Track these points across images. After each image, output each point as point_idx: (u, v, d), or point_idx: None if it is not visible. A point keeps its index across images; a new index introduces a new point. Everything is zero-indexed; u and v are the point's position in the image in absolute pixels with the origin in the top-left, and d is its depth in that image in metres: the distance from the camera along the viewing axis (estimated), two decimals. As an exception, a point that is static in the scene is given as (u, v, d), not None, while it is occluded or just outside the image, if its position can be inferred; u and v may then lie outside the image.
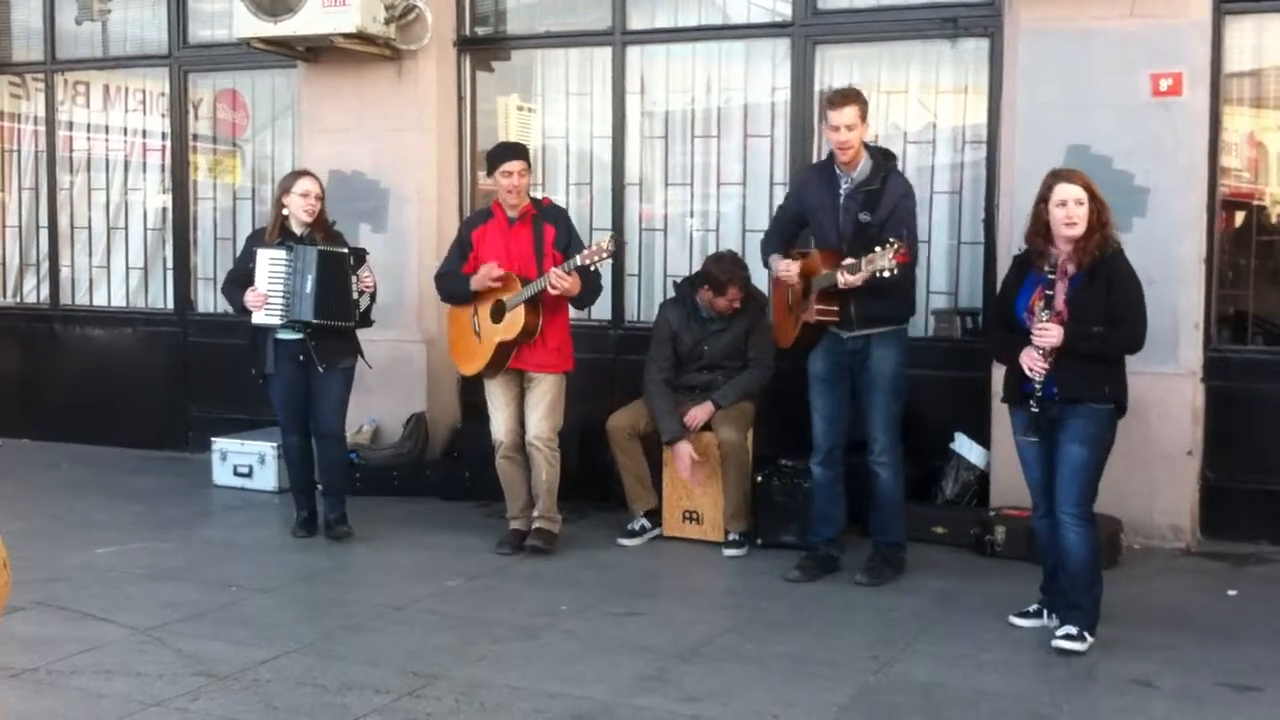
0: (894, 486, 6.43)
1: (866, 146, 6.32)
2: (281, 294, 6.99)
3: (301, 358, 7.08)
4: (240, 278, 7.17)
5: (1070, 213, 5.36)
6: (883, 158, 6.35)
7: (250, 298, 7.02)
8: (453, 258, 7.17)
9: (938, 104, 8.05)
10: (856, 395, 6.45)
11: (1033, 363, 5.40)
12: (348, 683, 5.07)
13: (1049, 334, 5.33)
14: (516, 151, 7.00)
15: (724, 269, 7.16)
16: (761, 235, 6.89)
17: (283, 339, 7.08)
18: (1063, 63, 7.15)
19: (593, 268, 6.73)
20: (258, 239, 7.22)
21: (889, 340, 6.31)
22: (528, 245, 6.84)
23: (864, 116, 6.22)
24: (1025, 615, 5.78)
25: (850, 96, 6.25)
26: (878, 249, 5.87)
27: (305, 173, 7.24)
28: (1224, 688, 5.06)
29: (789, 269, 6.36)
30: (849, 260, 5.96)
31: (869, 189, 6.21)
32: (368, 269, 7.17)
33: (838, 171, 6.31)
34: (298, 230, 7.11)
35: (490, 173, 7.00)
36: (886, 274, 5.87)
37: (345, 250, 7.15)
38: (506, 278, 6.77)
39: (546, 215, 6.95)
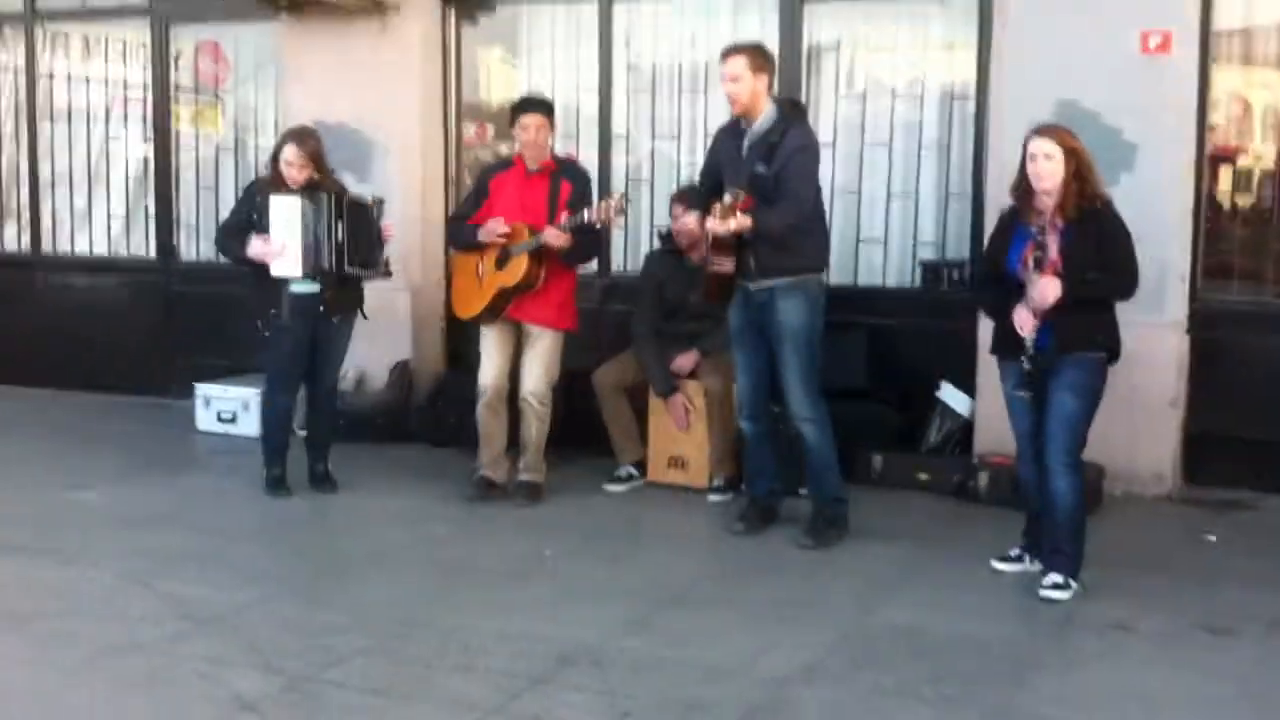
0: (821, 440, 6.25)
1: (774, 100, 6.25)
2: (301, 243, 6.74)
3: (321, 309, 6.89)
4: (238, 227, 6.95)
5: (1038, 167, 5.40)
6: (789, 109, 6.29)
7: (264, 248, 6.77)
8: (468, 202, 7.15)
9: (926, 60, 8.03)
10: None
11: (1024, 321, 5.42)
12: (332, 627, 5.07)
13: (1050, 289, 5.33)
14: (535, 105, 6.96)
15: (686, 191, 7.26)
16: None
17: (297, 292, 6.85)
18: (1052, 18, 7.14)
19: (598, 224, 6.69)
20: (260, 188, 6.98)
21: (794, 292, 6.15)
22: (542, 198, 6.79)
23: (758, 68, 6.12)
24: (1007, 560, 5.81)
25: (738, 48, 6.21)
26: (725, 198, 5.85)
27: (293, 136, 6.93)
28: (1201, 630, 5.11)
29: (694, 224, 6.39)
30: (717, 205, 5.93)
31: (769, 141, 6.12)
32: (387, 217, 7.08)
33: (743, 125, 6.25)
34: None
35: (511, 124, 6.96)
36: (733, 224, 5.84)
37: (369, 199, 7.05)
38: (516, 228, 6.74)
39: (565, 171, 6.93)
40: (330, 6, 8.51)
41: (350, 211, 6.86)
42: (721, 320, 7.12)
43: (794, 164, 6.07)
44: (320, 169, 6.88)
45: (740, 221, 5.86)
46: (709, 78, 8.43)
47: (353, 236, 6.84)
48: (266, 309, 6.89)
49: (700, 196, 6.55)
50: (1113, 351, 5.50)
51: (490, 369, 6.96)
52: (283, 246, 6.75)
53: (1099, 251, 5.38)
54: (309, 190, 6.81)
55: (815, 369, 6.24)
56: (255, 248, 6.82)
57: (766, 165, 6.06)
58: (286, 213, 6.76)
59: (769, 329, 6.23)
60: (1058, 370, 5.41)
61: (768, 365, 6.31)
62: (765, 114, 6.17)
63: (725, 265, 6.16)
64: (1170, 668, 4.77)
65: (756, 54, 6.20)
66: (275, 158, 6.92)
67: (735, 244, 6.05)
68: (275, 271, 6.79)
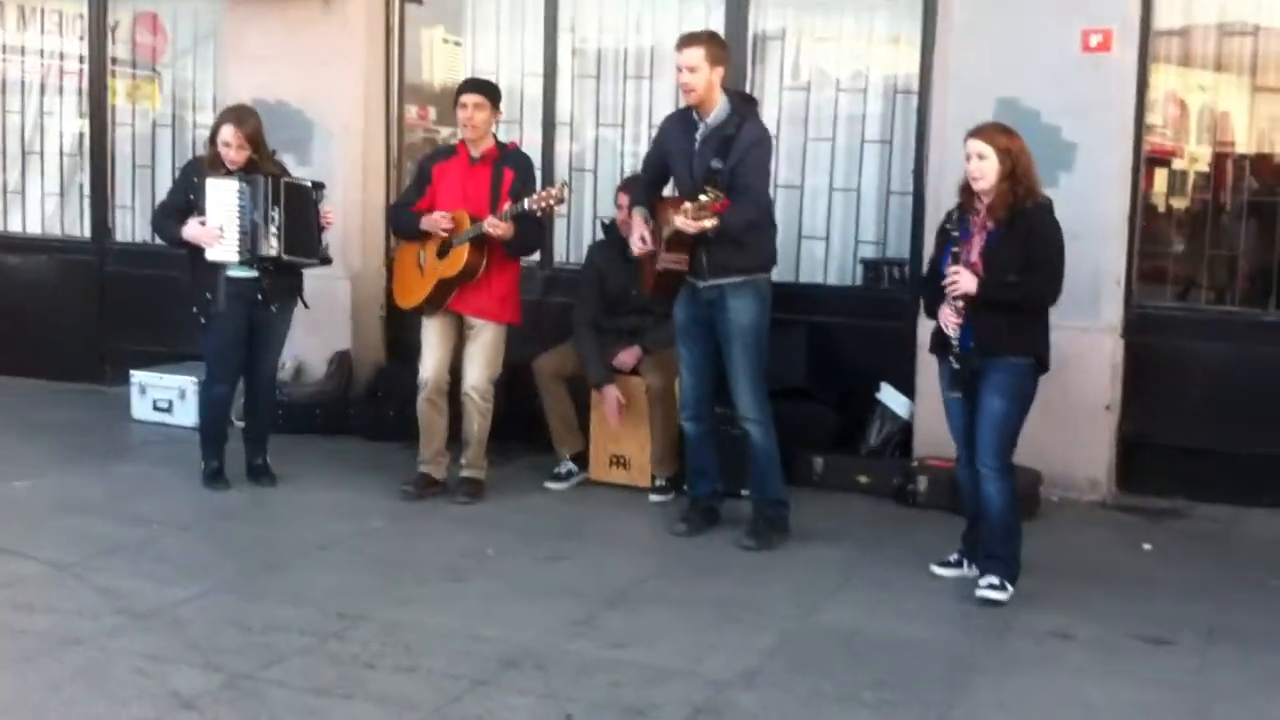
0: (766, 442, 6.24)
1: (726, 92, 6.18)
2: (239, 228, 6.62)
3: (259, 297, 6.78)
4: (176, 209, 6.83)
5: (971, 167, 5.45)
6: (741, 102, 6.23)
7: (199, 232, 6.65)
8: (411, 190, 7.08)
9: (870, 54, 8.06)
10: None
11: (947, 317, 5.48)
12: (271, 623, 5.04)
13: (959, 282, 5.39)
14: (473, 86, 6.89)
15: (629, 182, 7.21)
16: None
17: (234, 277, 6.72)
18: (995, 16, 7.17)
19: (539, 213, 6.64)
20: (197, 169, 6.85)
21: (745, 290, 6.11)
22: (485, 186, 6.73)
23: (715, 60, 6.05)
24: (946, 564, 5.87)
25: (696, 38, 6.14)
26: (701, 197, 5.78)
27: (231, 116, 6.76)
28: (1138, 639, 5.17)
29: (641, 243, 6.19)
30: (685, 205, 5.86)
31: (724, 135, 6.06)
32: (327, 202, 6.94)
33: (695, 117, 6.18)
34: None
35: (454, 107, 6.88)
36: (707, 224, 5.78)
37: (308, 183, 6.90)
38: (458, 217, 6.68)
39: (509, 159, 6.85)
40: (272, -18, 8.40)
41: (289, 196, 6.72)
42: (665, 316, 7.11)
43: (751, 158, 6.03)
44: (259, 150, 6.75)
45: (711, 222, 5.77)
46: (655, 64, 8.43)
47: (291, 221, 6.70)
48: (203, 294, 6.77)
49: (642, 186, 6.51)
50: (1039, 359, 5.52)
51: (431, 362, 6.90)
52: (219, 230, 6.64)
53: (1025, 254, 5.40)
54: (247, 173, 6.69)
55: (763, 369, 6.24)
56: (191, 230, 6.70)
57: (722, 160, 6.00)
58: (223, 196, 6.63)
59: (718, 327, 6.20)
60: (985, 373, 5.46)
61: (713, 364, 6.30)
62: (719, 107, 6.11)
63: (680, 263, 6.13)
64: (1109, 676, 4.83)
65: (715, 45, 6.13)
66: (213, 137, 6.77)
67: (690, 241, 6.00)
68: (211, 256, 6.68)
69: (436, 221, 6.71)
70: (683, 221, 5.83)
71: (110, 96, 9.72)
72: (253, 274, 6.75)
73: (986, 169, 5.41)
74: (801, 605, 5.46)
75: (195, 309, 6.83)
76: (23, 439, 8.02)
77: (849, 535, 6.48)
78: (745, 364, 6.17)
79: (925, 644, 5.08)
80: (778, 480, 6.36)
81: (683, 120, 6.29)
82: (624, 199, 7.21)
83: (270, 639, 4.89)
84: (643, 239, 6.19)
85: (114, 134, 9.73)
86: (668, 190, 6.57)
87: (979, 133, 5.51)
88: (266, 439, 7.18)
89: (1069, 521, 6.84)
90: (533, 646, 4.89)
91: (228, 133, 6.66)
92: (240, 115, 6.78)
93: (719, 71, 6.10)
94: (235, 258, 6.67)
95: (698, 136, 6.14)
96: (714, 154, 6.03)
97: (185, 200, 6.81)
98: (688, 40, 6.14)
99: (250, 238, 6.64)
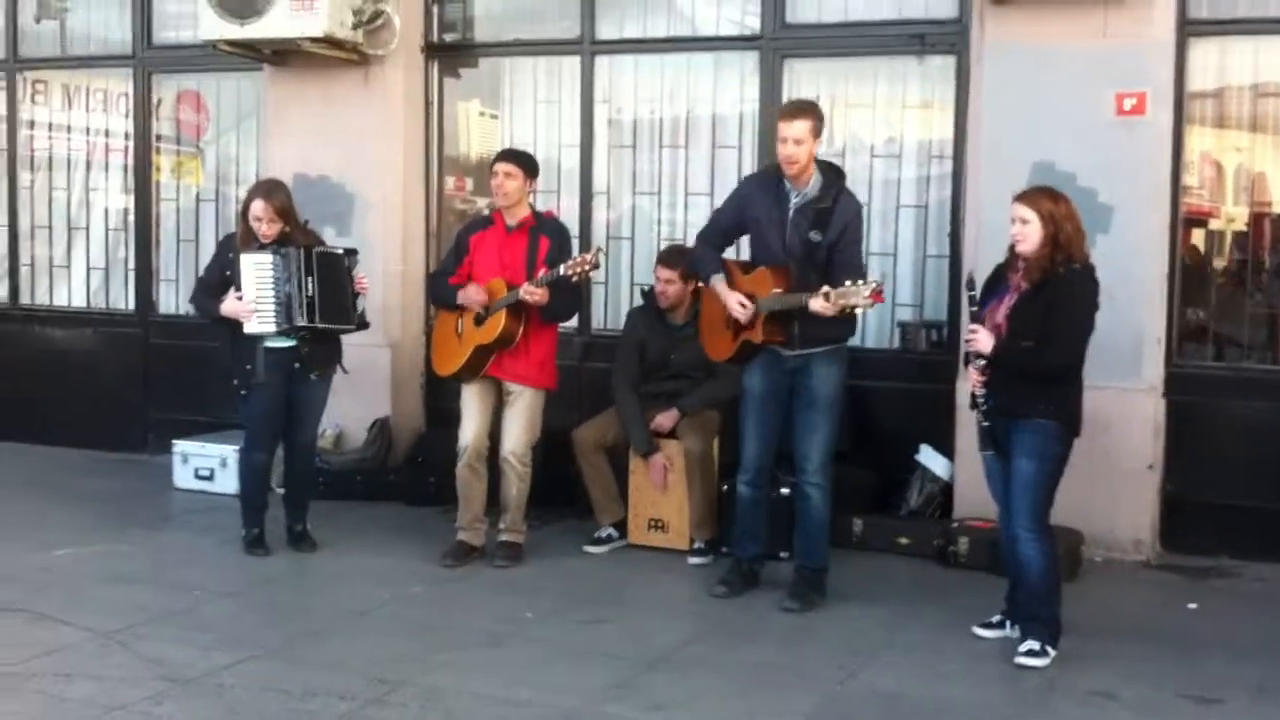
0: (823, 509, 6.23)
1: (817, 162, 6.15)
2: (273, 300, 6.73)
3: (298, 365, 6.87)
4: (213, 285, 6.93)
5: (1015, 230, 5.46)
6: (834, 175, 6.19)
7: (236, 307, 6.74)
8: (449, 260, 7.13)
9: (904, 119, 8.11)
10: (790, 414, 6.27)
11: (971, 374, 5.51)
12: (311, 689, 5.04)
13: (976, 340, 5.42)
14: (507, 155, 6.96)
15: (671, 257, 7.26)
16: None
17: (273, 346, 6.81)
18: (1028, 81, 7.21)
19: (574, 279, 6.66)
20: (231, 245, 6.96)
21: (830, 359, 6.14)
22: (521, 255, 6.78)
23: (817, 132, 6.06)
24: (988, 626, 5.82)
25: (803, 109, 6.11)
26: (849, 283, 5.70)
27: (260, 191, 6.85)
28: (1185, 700, 5.11)
29: (744, 310, 6.06)
30: (826, 289, 5.75)
31: (820, 206, 6.04)
32: (361, 268, 7.03)
33: (786, 185, 6.14)
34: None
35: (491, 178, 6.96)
36: (859, 311, 5.79)
37: (340, 251, 7.01)
38: (494, 285, 6.74)
39: (544, 228, 6.90)
40: (313, 57, 8.52)
41: (321, 264, 6.82)
42: (700, 380, 7.15)
43: (850, 231, 6.06)
44: (290, 222, 6.85)
45: (866, 305, 5.74)
46: (689, 133, 8.50)
47: (324, 290, 6.79)
48: (243, 366, 6.85)
49: (712, 247, 6.38)
50: (1064, 422, 5.44)
51: (470, 428, 6.93)
52: (255, 304, 6.74)
53: (1045, 321, 5.38)
54: (279, 245, 6.79)
55: (837, 436, 6.26)
56: (228, 306, 6.80)
57: (821, 232, 6.00)
58: (257, 270, 6.75)
59: (799, 394, 6.18)
60: (1012, 435, 5.45)
61: (780, 432, 6.30)
62: (814, 178, 6.10)
63: (776, 336, 6.07)
64: (1155, 737, 4.79)
65: (819, 117, 6.10)
66: (245, 213, 6.89)
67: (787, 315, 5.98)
68: (249, 329, 6.77)
69: (471, 297, 6.77)
70: (819, 306, 5.75)
71: (154, 173, 9.89)
72: (290, 343, 6.84)
73: (1030, 233, 5.41)
74: (843, 668, 5.42)
75: (235, 381, 6.91)
76: (66, 508, 8.08)
77: (889, 597, 6.44)
78: (822, 431, 6.17)
79: (968, 706, 5.03)
80: (825, 547, 6.34)
81: (768, 186, 6.22)
82: (662, 273, 7.26)
83: (311, 705, 4.89)
84: (741, 304, 6.07)
85: (158, 209, 9.90)
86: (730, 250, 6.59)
87: (1024, 197, 5.52)
88: (307, 505, 7.22)
89: (1112, 581, 6.78)
90: (573, 710, 4.88)
91: (258, 208, 6.77)
92: (269, 189, 6.88)
93: (818, 144, 6.11)
94: (272, 329, 6.76)
95: (792, 205, 6.11)
96: (811, 226, 6.02)
97: (221, 276, 6.91)
98: (795, 112, 6.09)
99: (285, 308, 6.74)
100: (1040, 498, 5.46)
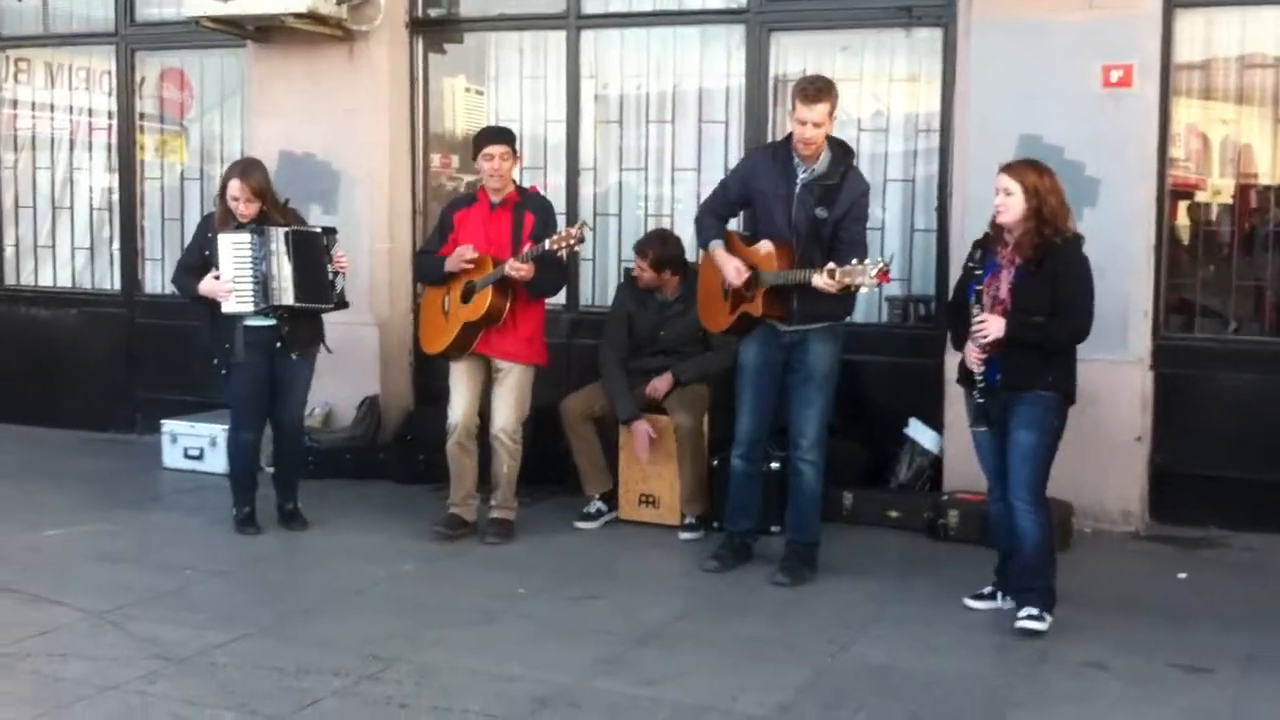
0: (816, 485, 6.26)
1: (827, 138, 6.11)
2: (251, 279, 6.73)
3: (278, 345, 6.87)
4: (193, 265, 6.93)
5: (998, 200, 5.47)
6: (842, 152, 6.17)
7: (214, 286, 6.76)
8: (433, 238, 7.13)
9: (891, 92, 8.09)
10: (785, 389, 6.28)
11: (972, 355, 5.51)
12: (305, 666, 5.05)
13: (988, 328, 5.41)
14: (498, 135, 6.93)
15: (644, 244, 7.27)
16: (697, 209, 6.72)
17: (252, 325, 6.81)
18: (1015, 54, 7.20)
19: (559, 253, 6.66)
20: (210, 225, 6.94)
21: (826, 336, 6.14)
22: (506, 231, 6.77)
23: (833, 112, 6.04)
24: (979, 597, 5.84)
25: (824, 91, 5.98)
26: (856, 262, 5.68)
27: (237, 171, 6.84)
28: (1175, 669, 5.14)
29: (740, 274, 6.07)
30: (831, 266, 5.73)
31: (827, 183, 6.02)
32: (339, 247, 7.00)
33: (795, 160, 6.11)
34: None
35: (474, 156, 6.91)
36: (864, 289, 5.81)
37: (318, 229, 7.00)
38: (481, 260, 6.73)
39: (529, 203, 6.89)
40: (297, 34, 8.47)
41: (298, 244, 6.81)
42: (692, 354, 7.15)
43: (857, 209, 6.06)
44: (267, 201, 6.84)
45: (872, 284, 5.73)
46: (676, 107, 8.48)
47: (302, 269, 6.79)
48: (222, 345, 6.86)
49: (715, 216, 6.34)
50: (1066, 393, 5.51)
51: (459, 405, 6.92)
52: (233, 283, 6.74)
53: (1052, 294, 5.40)
54: (257, 225, 6.79)
55: (830, 413, 6.28)
56: (206, 286, 6.81)
57: (828, 209, 5.99)
58: (235, 249, 6.76)
59: (795, 369, 6.19)
60: (1013, 408, 5.46)
61: (774, 406, 6.31)
62: (825, 155, 6.08)
63: (776, 311, 6.06)
64: (1146, 706, 4.81)
65: (836, 97, 6.05)
66: (222, 193, 6.87)
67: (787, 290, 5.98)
68: (227, 309, 6.78)
69: (461, 254, 6.75)
70: (824, 282, 5.72)
71: (138, 151, 9.84)
72: (270, 322, 6.84)
73: (1012, 204, 5.41)
74: (833, 641, 5.43)
75: (215, 360, 6.93)
76: (55, 489, 8.08)
77: (880, 570, 6.46)
78: (818, 407, 6.18)
79: (960, 678, 5.05)
80: (817, 522, 6.36)
81: (777, 160, 6.17)
82: (637, 258, 7.32)
83: (304, 683, 4.90)
84: (738, 270, 6.07)
85: (143, 188, 9.85)
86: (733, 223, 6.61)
87: (1009, 168, 5.52)
88: (296, 484, 7.23)
89: (1102, 553, 6.81)
90: (565, 686, 4.89)
91: (235, 187, 6.76)
92: (245, 169, 6.88)
93: (833, 123, 6.09)
94: (250, 308, 6.77)
95: (799, 181, 6.08)
96: (817, 203, 6.00)
97: (201, 257, 6.91)
98: (816, 94, 5.95)
99: (263, 288, 6.75)
100: (1038, 469, 5.48)
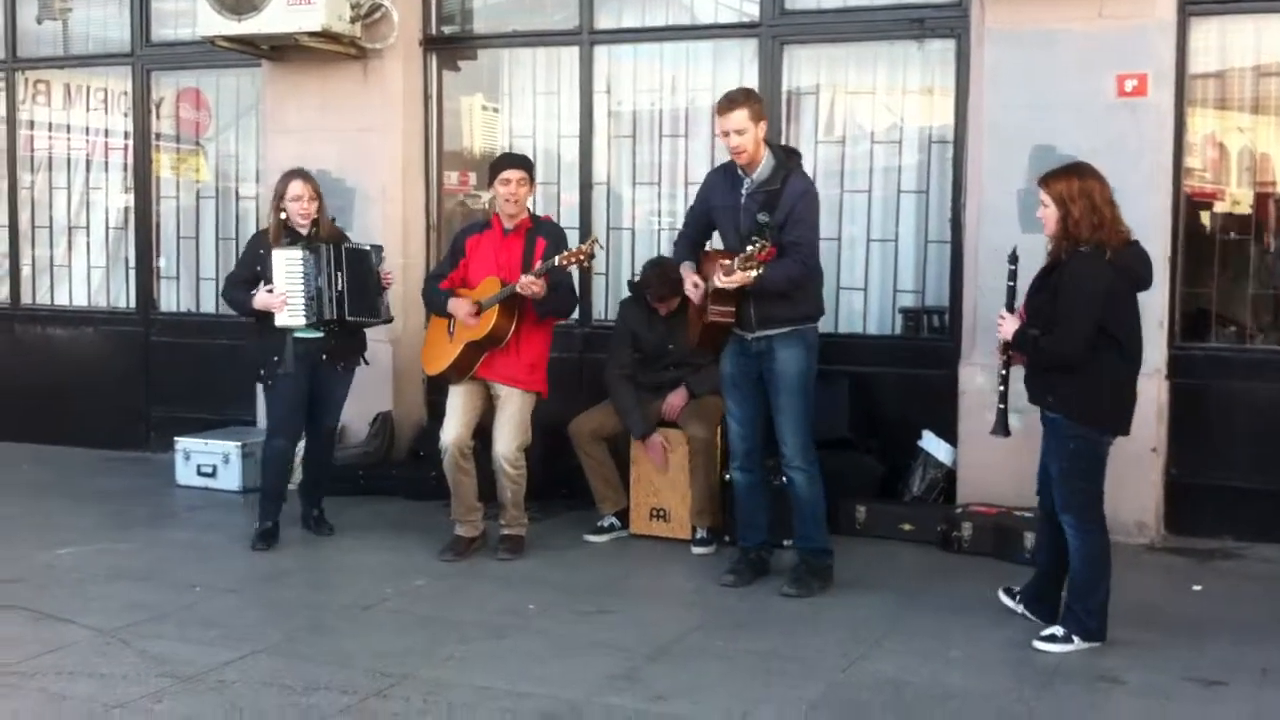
0: (811, 491, 6.23)
1: (769, 145, 6.19)
2: (304, 293, 6.87)
3: (324, 356, 7.03)
4: (243, 280, 7.07)
5: (1038, 214, 5.45)
6: (785, 156, 6.23)
7: (268, 299, 6.91)
8: (444, 263, 7.15)
9: (904, 104, 8.07)
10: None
11: (996, 359, 5.49)
12: (314, 683, 5.03)
13: (1003, 327, 5.44)
14: (516, 161, 6.92)
15: (648, 278, 7.25)
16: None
17: (301, 338, 6.96)
18: (1028, 64, 7.18)
19: (569, 267, 6.63)
20: (262, 241, 7.10)
21: (793, 341, 6.13)
22: (517, 256, 6.74)
23: (758, 117, 6.07)
24: (1009, 593, 5.85)
25: (736, 100, 6.10)
26: (748, 248, 5.79)
27: (295, 174, 7.07)
28: (1191, 683, 5.09)
29: (695, 289, 6.17)
30: (724, 261, 5.91)
31: (769, 189, 6.08)
32: (386, 265, 7.23)
33: (740, 172, 6.19)
34: (301, 230, 7.02)
35: (490, 181, 6.91)
36: (754, 273, 5.79)
37: (368, 247, 7.21)
38: (487, 283, 6.72)
39: (541, 229, 6.86)
40: (311, 52, 8.52)
41: (350, 260, 7.00)
42: (704, 366, 7.12)
43: (798, 211, 6.05)
44: (323, 204, 7.09)
45: (755, 272, 5.78)
46: (690, 123, 8.48)
47: (353, 285, 6.98)
48: (270, 357, 7.00)
49: (686, 242, 6.46)
50: (1078, 416, 5.31)
51: (451, 428, 6.83)
52: (286, 297, 6.87)
53: (1053, 306, 5.32)
54: (309, 241, 6.94)
55: (811, 418, 6.24)
56: (261, 299, 6.97)
57: (769, 213, 6.03)
58: (288, 265, 6.92)
59: (766, 377, 6.21)
60: (1044, 426, 5.43)
61: (761, 415, 6.30)
62: (764, 162, 6.13)
63: (727, 316, 6.12)
64: (1162, 720, 4.77)
65: (754, 101, 6.15)
66: (278, 203, 7.03)
67: (737, 293, 6.00)
68: (280, 322, 6.94)
69: (460, 309, 6.73)
70: (721, 279, 5.87)
71: (155, 170, 9.90)
72: (318, 335, 6.99)
73: (1049, 216, 5.36)
74: (847, 655, 5.39)
75: (262, 371, 7.06)
76: (69, 506, 8.09)
77: (894, 583, 6.42)
78: (792, 413, 6.16)
79: (974, 693, 5.00)
80: (822, 529, 6.32)
81: (727, 175, 6.30)
82: (653, 300, 7.27)
83: (313, 699, 4.87)
84: (695, 284, 6.17)
85: (159, 207, 9.91)
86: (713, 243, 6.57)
87: (1041, 179, 5.47)
88: (324, 487, 7.41)
89: (1117, 564, 6.55)
90: (575, 702, 4.86)
91: (297, 187, 6.98)
92: (303, 172, 7.14)
93: (762, 127, 6.13)
94: (303, 321, 6.92)
95: (744, 191, 6.16)
96: (760, 208, 6.06)
97: (253, 271, 7.07)
98: (729, 104, 6.11)
99: (316, 302, 6.91)
100: (1066, 491, 5.38)
